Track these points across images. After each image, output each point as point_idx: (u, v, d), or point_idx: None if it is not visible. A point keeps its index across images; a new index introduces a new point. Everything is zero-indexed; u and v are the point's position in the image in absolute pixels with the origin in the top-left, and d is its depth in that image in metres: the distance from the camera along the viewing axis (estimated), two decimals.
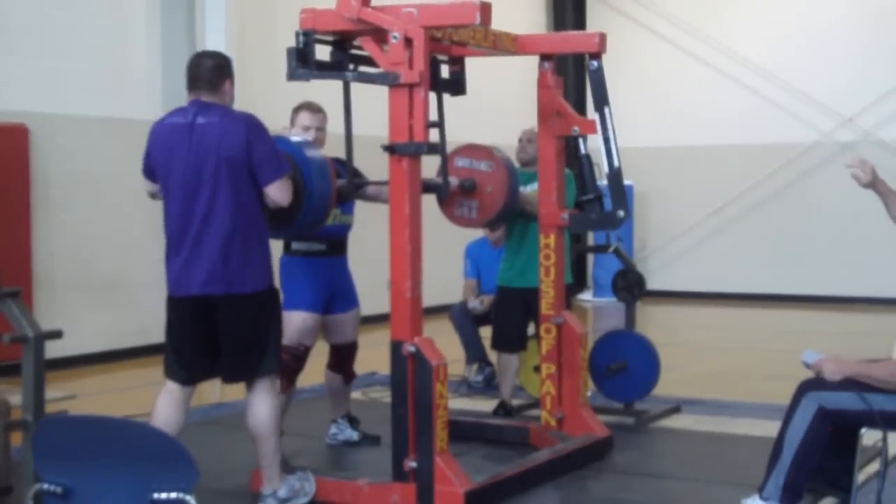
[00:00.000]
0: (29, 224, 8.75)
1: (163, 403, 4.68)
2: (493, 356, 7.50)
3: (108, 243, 9.33)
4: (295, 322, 5.58)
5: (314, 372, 7.53)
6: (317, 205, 5.03)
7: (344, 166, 5.47)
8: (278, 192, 4.63)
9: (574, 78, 13.81)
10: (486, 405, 7.11)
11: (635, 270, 7.38)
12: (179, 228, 4.61)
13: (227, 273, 4.55)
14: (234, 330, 4.62)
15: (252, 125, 4.60)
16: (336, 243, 5.85)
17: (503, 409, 6.83)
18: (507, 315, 6.80)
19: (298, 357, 5.69)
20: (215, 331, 4.64)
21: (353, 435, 6.16)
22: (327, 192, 5.04)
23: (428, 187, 5.60)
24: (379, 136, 5.18)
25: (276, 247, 5.64)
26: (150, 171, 4.78)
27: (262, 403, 4.71)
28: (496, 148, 6.36)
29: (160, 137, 4.68)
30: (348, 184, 5.30)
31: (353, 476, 5.21)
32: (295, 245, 5.73)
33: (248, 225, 4.59)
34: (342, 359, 6.01)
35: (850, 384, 4.31)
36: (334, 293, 5.85)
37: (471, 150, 6.19)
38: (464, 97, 5.77)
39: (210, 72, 4.64)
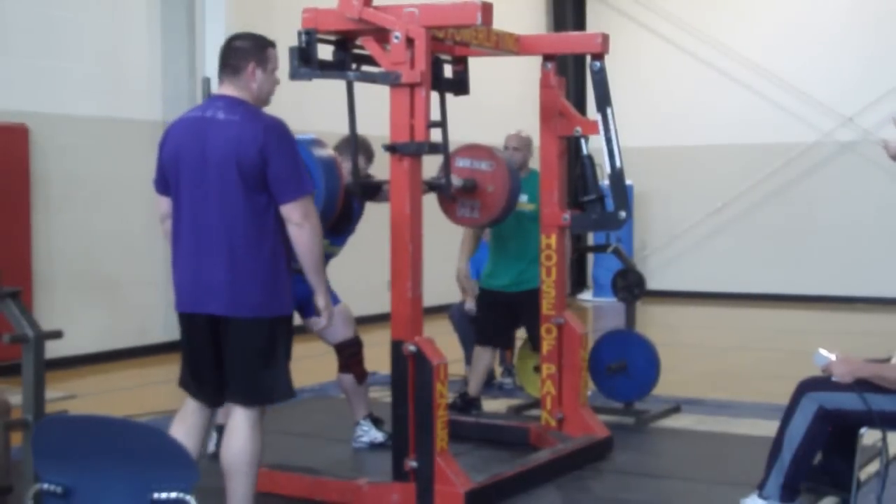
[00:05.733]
0: (29, 224, 8.75)
1: (176, 427, 4.25)
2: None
3: (108, 243, 9.33)
4: None
5: (314, 372, 7.52)
6: (325, 203, 5.02)
7: (366, 189, 5.53)
8: (295, 213, 4.08)
9: (574, 78, 13.80)
10: (487, 405, 7.11)
11: (635, 270, 7.39)
12: (187, 235, 4.15)
13: (232, 293, 4.08)
14: (233, 354, 4.16)
15: (274, 132, 4.08)
16: None
17: (461, 400, 6.84)
18: (483, 313, 6.95)
19: None
20: (219, 351, 4.20)
21: (379, 436, 6.03)
22: (335, 190, 5.04)
23: (431, 187, 5.62)
24: (380, 135, 5.19)
25: None
26: (161, 178, 4.27)
27: (239, 433, 4.16)
28: (497, 148, 6.37)
29: (174, 132, 4.23)
30: (354, 182, 5.30)
31: (353, 476, 5.21)
32: None
33: (263, 241, 4.10)
34: (346, 357, 5.94)
35: (851, 384, 4.31)
36: (307, 300, 5.71)
37: (471, 150, 6.19)
38: (465, 97, 5.77)
39: (234, 54, 4.19)
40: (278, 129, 4.12)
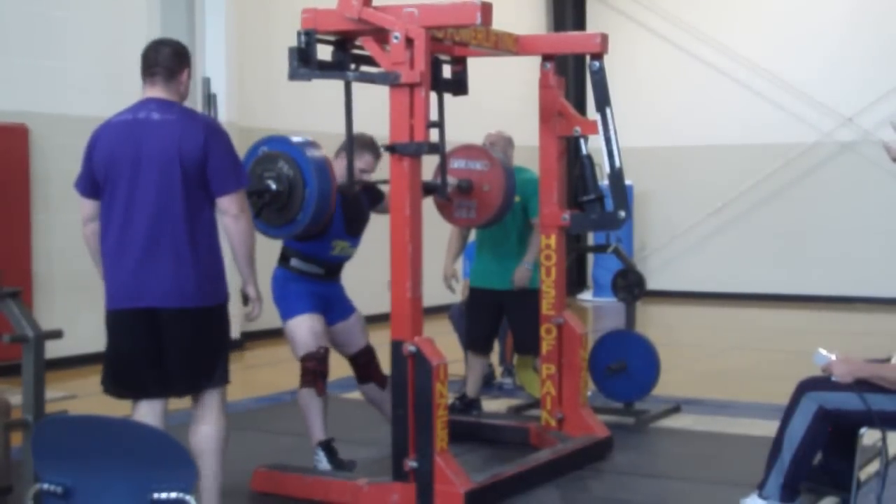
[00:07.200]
0: (29, 224, 8.75)
1: None
2: (491, 357, 7.53)
3: None
4: (304, 327, 5.42)
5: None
6: (317, 204, 5.04)
7: (370, 192, 5.56)
8: (233, 206, 4.25)
9: (574, 78, 13.80)
10: (486, 405, 7.11)
11: (635, 270, 7.39)
12: (123, 234, 4.22)
13: (177, 285, 4.19)
14: (179, 345, 4.25)
15: (212, 129, 4.28)
16: (334, 269, 5.68)
17: (460, 402, 6.82)
18: (472, 315, 6.89)
19: (321, 360, 5.44)
20: (160, 344, 4.26)
21: None
22: (327, 191, 5.05)
23: (427, 189, 5.61)
24: (380, 136, 5.18)
25: (271, 256, 5.62)
26: (88, 181, 4.34)
27: (209, 418, 4.36)
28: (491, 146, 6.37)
29: (104, 135, 4.35)
30: (348, 183, 5.29)
31: (353, 476, 5.21)
32: (294, 262, 5.55)
33: (201, 234, 4.24)
34: (364, 366, 5.77)
35: (851, 384, 4.31)
36: (328, 305, 5.65)
37: (465, 150, 6.19)
38: (464, 97, 5.77)
39: (168, 58, 4.31)
40: (216, 126, 4.35)
